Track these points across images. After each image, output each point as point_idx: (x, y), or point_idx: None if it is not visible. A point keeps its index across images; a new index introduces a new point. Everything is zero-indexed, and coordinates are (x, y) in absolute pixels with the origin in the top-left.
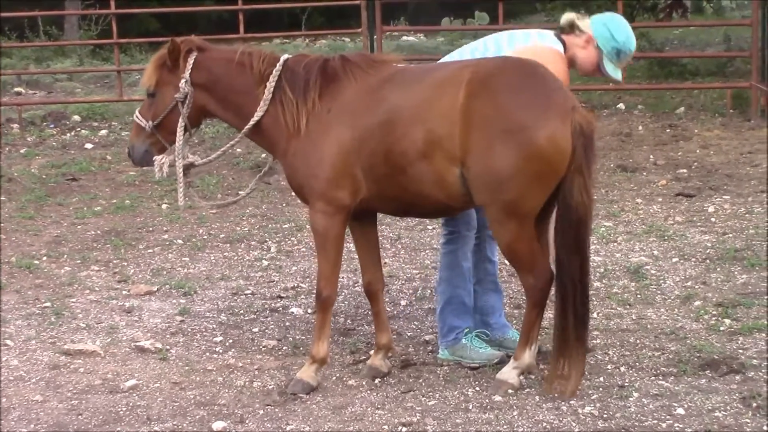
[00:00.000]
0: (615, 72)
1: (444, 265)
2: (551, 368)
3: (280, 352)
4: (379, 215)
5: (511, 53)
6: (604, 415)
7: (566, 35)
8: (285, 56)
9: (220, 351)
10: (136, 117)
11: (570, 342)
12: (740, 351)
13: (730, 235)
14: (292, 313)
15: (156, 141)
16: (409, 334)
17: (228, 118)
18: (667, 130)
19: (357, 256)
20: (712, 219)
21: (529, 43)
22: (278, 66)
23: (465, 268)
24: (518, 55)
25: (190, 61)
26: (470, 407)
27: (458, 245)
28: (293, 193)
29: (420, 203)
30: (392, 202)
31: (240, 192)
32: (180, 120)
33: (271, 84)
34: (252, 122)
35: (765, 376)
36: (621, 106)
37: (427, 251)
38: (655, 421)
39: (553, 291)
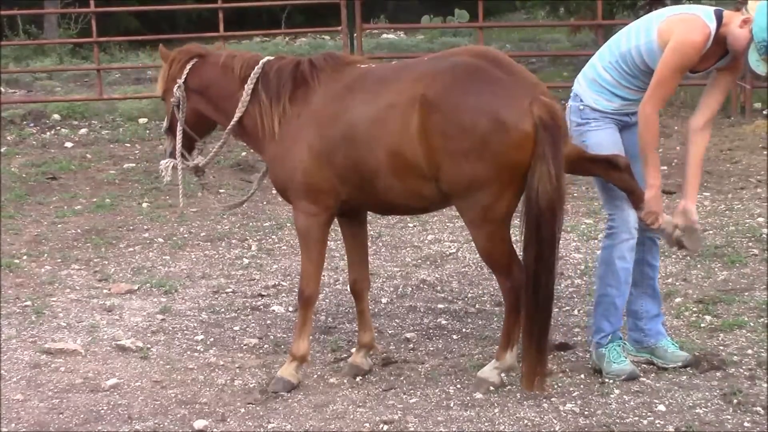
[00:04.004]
0: (757, 65)
1: (600, 260)
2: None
3: (261, 351)
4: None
5: (659, 24)
6: (585, 412)
7: (735, 10)
8: (265, 59)
9: (201, 349)
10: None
11: (525, 336)
12: (721, 347)
13: (711, 232)
14: (273, 311)
15: (173, 142)
16: (390, 332)
17: (221, 122)
18: None
19: (338, 255)
20: None
21: (677, 11)
22: (256, 69)
23: (619, 268)
24: (664, 25)
25: (188, 67)
26: (451, 405)
27: (615, 242)
28: (274, 191)
29: (398, 209)
30: (373, 206)
31: (219, 190)
32: (178, 124)
33: (248, 86)
34: (232, 123)
35: (746, 373)
36: None
37: (408, 249)
38: (636, 418)
39: None
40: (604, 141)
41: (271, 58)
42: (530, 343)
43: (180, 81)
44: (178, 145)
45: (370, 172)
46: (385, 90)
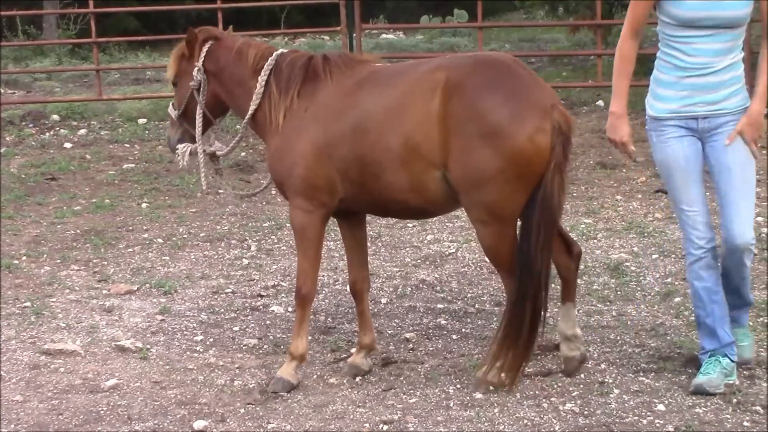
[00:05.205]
0: None
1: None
2: (491, 359)
3: (260, 351)
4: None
5: None
6: (585, 412)
7: None
8: (279, 51)
9: (201, 350)
10: (169, 109)
11: (521, 337)
12: None
13: None
14: (273, 311)
15: (185, 130)
16: (389, 332)
17: (234, 108)
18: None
19: (337, 255)
20: None
21: None
22: (270, 61)
23: (698, 288)
24: None
25: (204, 49)
26: (451, 405)
27: (688, 264)
28: (273, 191)
29: (396, 207)
30: (370, 205)
31: (218, 190)
32: (198, 108)
33: (262, 78)
34: (248, 115)
35: (745, 372)
36: (600, 103)
37: (407, 249)
38: (636, 418)
39: None
40: (666, 161)
41: (285, 51)
42: (531, 347)
43: (199, 64)
44: (199, 129)
45: (375, 164)
46: (403, 81)
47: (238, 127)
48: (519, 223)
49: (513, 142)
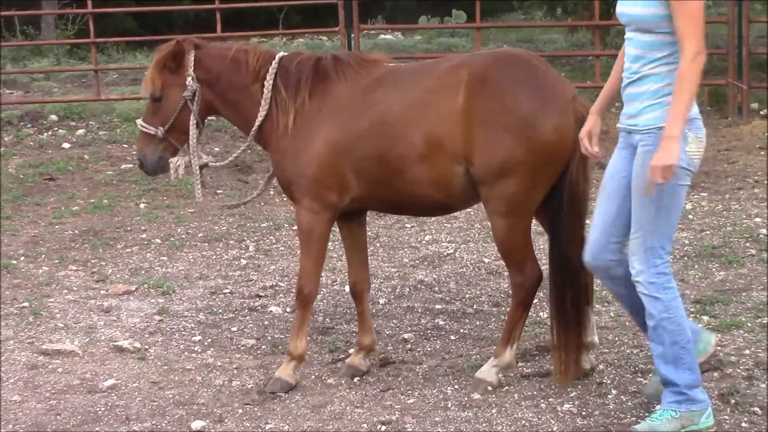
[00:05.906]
0: None
1: None
2: (562, 361)
3: (258, 351)
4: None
5: None
6: (583, 413)
7: None
8: (280, 54)
9: (199, 350)
10: (142, 126)
11: (572, 330)
12: (718, 348)
13: (708, 232)
14: (271, 311)
15: (168, 145)
16: (387, 333)
17: (229, 116)
18: None
19: (335, 255)
20: (690, 216)
21: None
22: (274, 64)
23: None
24: None
25: (191, 58)
26: (449, 405)
27: None
28: (271, 192)
29: (417, 203)
30: (386, 203)
31: (217, 191)
32: (191, 118)
33: (269, 83)
34: (258, 122)
35: (743, 373)
36: None
37: (405, 249)
38: (634, 419)
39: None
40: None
41: (286, 53)
42: (581, 337)
43: (191, 72)
44: (193, 140)
45: (398, 160)
46: (424, 79)
47: (235, 127)
48: (546, 221)
49: (540, 134)
